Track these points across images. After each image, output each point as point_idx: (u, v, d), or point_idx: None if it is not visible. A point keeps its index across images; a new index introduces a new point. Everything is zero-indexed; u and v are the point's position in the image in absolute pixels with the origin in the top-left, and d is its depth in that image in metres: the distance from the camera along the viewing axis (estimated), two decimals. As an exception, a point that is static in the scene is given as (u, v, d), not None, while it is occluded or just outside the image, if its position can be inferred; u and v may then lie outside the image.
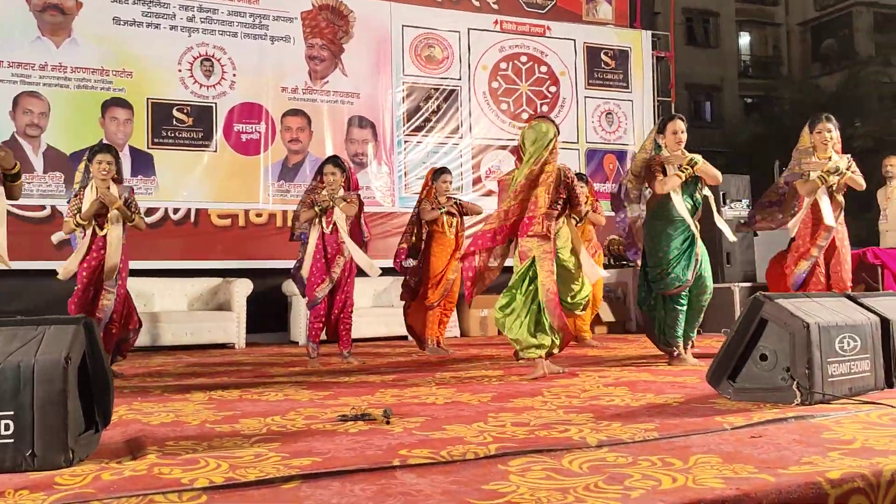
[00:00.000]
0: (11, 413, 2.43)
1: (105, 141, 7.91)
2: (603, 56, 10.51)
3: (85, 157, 5.54)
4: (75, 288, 5.94)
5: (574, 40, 10.32)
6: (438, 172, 6.95)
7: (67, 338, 2.58)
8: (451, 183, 6.98)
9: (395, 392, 4.24)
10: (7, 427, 2.43)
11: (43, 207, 7.72)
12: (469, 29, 9.86)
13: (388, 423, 3.15)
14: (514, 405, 3.61)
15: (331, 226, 5.98)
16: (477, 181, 9.75)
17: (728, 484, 2.18)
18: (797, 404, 3.32)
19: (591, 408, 3.47)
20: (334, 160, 6.15)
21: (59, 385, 2.47)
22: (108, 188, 5.42)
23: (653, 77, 10.74)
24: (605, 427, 2.97)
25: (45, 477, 2.34)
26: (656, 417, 3.17)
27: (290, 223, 6.44)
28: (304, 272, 6.01)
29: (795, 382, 3.33)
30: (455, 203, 6.93)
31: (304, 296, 6.17)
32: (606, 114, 10.38)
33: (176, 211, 8.39)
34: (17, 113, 7.81)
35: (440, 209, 6.78)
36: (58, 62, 8.00)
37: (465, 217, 7.03)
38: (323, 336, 6.05)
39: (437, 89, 9.63)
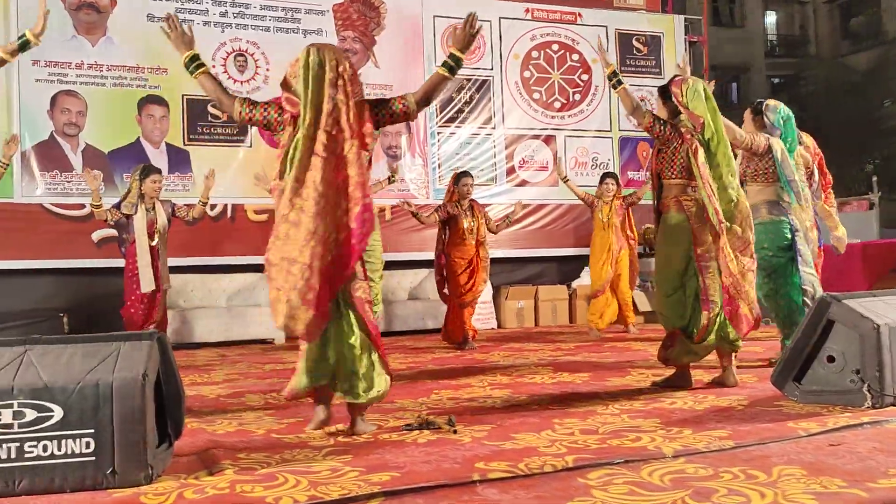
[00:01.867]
0: (92, 431, 2.44)
1: (144, 147, 7.95)
2: (635, 42, 10.39)
3: (137, 177, 6.13)
4: (131, 297, 6.06)
5: (606, 27, 10.18)
6: (460, 176, 6.91)
7: (143, 354, 2.58)
8: (472, 186, 6.93)
9: (451, 394, 4.23)
10: (88, 445, 2.44)
11: (82, 206, 7.73)
12: (500, 18, 9.76)
13: (454, 432, 3.13)
14: (576, 409, 3.59)
15: None
16: (510, 171, 9.68)
17: (820, 500, 2.15)
18: (868, 407, 3.27)
19: (656, 412, 3.43)
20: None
21: (137, 402, 2.48)
22: (154, 206, 6.15)
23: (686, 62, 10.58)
24: (676, 435, 2.94)
25: (129, 496, 2.35)
26: (726, 423, 3.13)
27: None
28: None
29: (866, 385, 3.28)
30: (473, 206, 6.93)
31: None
32: (640, 101, 10.25)
33: (213, 207, 8.38)
34: (55, 112, 7.84)
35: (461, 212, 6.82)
36: (94, 60, 8.01)
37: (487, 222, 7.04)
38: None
39: (469, 80, 9.56)
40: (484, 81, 9.65)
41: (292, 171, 3.05)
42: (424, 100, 3.28)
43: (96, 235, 7.86)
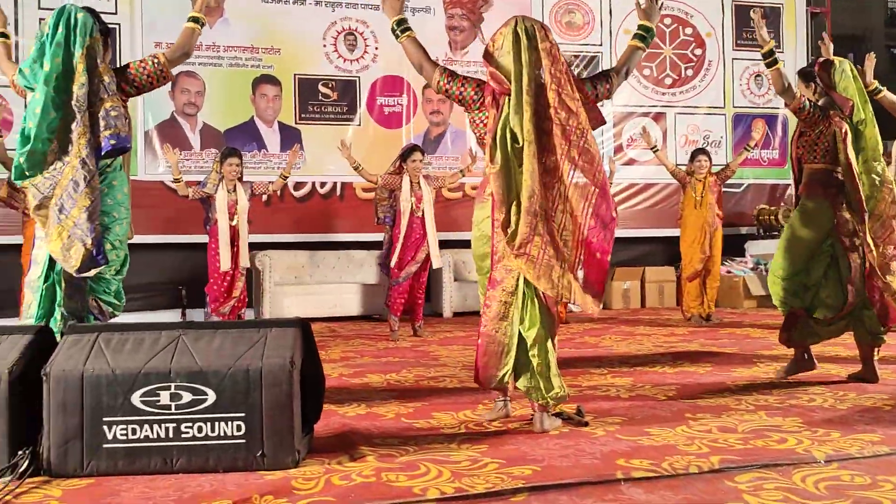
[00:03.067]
0: (243, 415, 2.52)
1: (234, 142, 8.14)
2: (753, 14, 9.91)
3: (217, 159, 6.37)
4: (214, 275, 6.28)
5: (721, -1, 9.82)
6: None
7: (289, 340, 2.64)
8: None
9: (571, 381, 4.17)
10: (239, 428, 2.52)
11: (198, 183, 7.99)
12: (611, -8, 9.53)
13: (585, 424, 3.10)
14: (707, 403, 3.50)
15: (421, 210, 6.37)
16: (618, 149, 9.48)
17: None
18: None
19: (795, 410, 3.31)
20: (420, 148, 6.57)
21: (285, 388, 2.54)
22: (235, 187, 6.32)
23: (806, 34, 10.11)
24: (823, 437, 2.83)
25: (279, 479, 2.42)
26: (875, 426, 2.99)
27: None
28: (393, 258, 6.35)
29: None
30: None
31: (388, 276, 6.52)
32: (756, 76, 9.86)
33: (323, 185, 8.56)
34: (175, 93, 8.10)
35: None
36: (211, 42, 8.23)
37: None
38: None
39: (577, 56, 9.38)
40: (592, 57, 9.45)
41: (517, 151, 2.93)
42: (625, 73, 3.26)
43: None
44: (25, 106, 3.17)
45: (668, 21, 9.73)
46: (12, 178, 3.17)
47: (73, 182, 3.00)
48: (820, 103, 3.99)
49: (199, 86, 8.19)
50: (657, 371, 4.47)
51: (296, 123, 8.49)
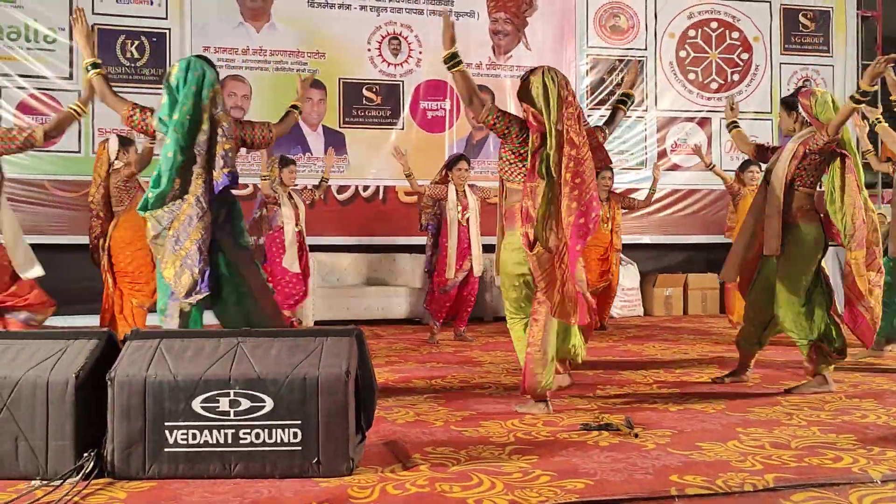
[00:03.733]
0: (299, 422, 2.57)
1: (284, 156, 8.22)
2: (801, 18, 9.82)
3: (276, 166, 6.51)
4: (284, 278, 6.39)
5: (770, 3, 9.69)
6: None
7: (344, 350, 2.69)
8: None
9: (617, 391, 4.19)
10: (295, 435, 2.57)
11: (246, 186, 8.12)
12: (656, -4, 9.47)
13: (635, 436, 3.10)
14: (757, 417, 3.47)
15: (466, 219, 6.44)
16: (661, 155, 9.41)
17: None
18: None
19: (848, 427, 3.27)
20: (466, 158, 6.62)
21: (341, 397, 2.59)
22: (291, 194, 6.53)
23: (857, 39, 9.94)
24: (878, 455, 2.79)
25: (335, 487, 2.46)
26: (932, 445, 2.95)
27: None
28: (447, 269, 6.39)
29: None
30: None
31: (431, 282, 6.57)
32: (804, 81, 9.72)
33: (366, 188, 8.64)
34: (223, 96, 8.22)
35: None
36: (258, 46, 8.35)
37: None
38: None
39: (621, 60, 9.34)
40: (638, 61, 9.39)
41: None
42: (613, 129, 4.03)
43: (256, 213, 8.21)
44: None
45: (714, 25, 9.64)
46: (138, 208, 3.51)
47: (189, 217, 3.37)
48: (799, 134, 4.16)
49: (246, 89, 8.31)
50: (704, 382, 4.44)
51: (340, 127, 8.58)
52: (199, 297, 3.39)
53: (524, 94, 3.55)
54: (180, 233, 3.37)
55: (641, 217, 9.12)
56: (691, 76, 9.55)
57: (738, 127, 4.65)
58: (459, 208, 6.41)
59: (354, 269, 8.57)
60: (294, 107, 4.10)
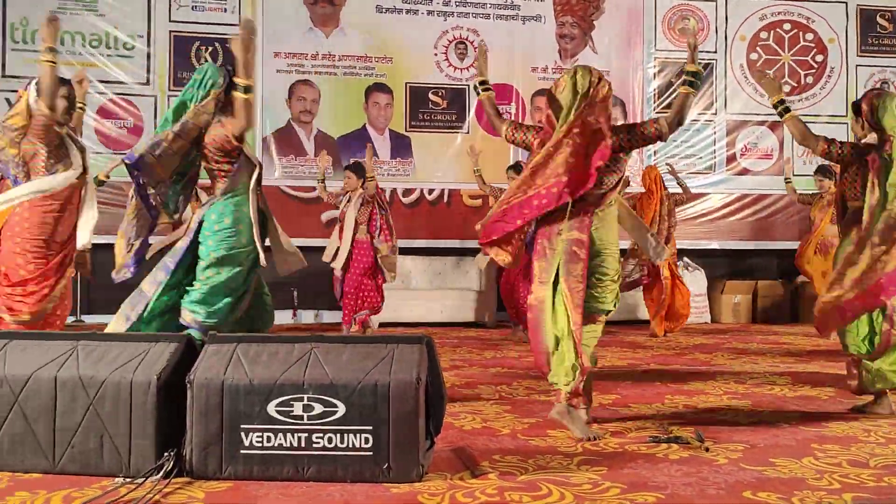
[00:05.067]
0: (370, 428, 2.61)
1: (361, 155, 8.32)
2: (879, 19, 9.52)
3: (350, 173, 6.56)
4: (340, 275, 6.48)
5: (846, 3, 9.42)
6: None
7: (415, 357, 2.71)
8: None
9: (685, 401, 4.13)
10: (366, 440, 2.61)
11: (313, 188, 8.24)
12: (727, -2, 9.31)
13: (706, 450, 3.06)
14: (832, 432, 3.39)
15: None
16: (731, 159, 9.26)
17: None
18: None
19: (929, 445, 3.17)
20: None
21: (411, 404, 2.62)
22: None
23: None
24: (963, 477, 2.70)
25: (405, 493, 2.49)
26: None
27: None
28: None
29: None
30: None
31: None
32: (882, 83, 9.42)
33: (431, 192, 8.70)
34: (292, 101, 8.40)
35: None
36: (327, 51, 8.49)
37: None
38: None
39: (690, 63, 9.18)
40: (706, 65, 9.23)
41: None
42: (677, 121, 3.41)
43: (325, 216, 8.35)
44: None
45: (787, 26, 9.42)
46: None
47: None
48: (866, 139, 3.93)
49: (315, 94, 8.45)
50: (776, 394, 4.35)
51: (406, 131, 8.66)
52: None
53: (550, 96, 3.46)
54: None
55: (709, 222, 8.99)
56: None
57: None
58: None
59: (419, 271, 8.63)
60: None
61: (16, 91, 7.89)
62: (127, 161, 3.45)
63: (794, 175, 7.51)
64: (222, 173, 3.57)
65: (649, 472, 2.76)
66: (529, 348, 6.32)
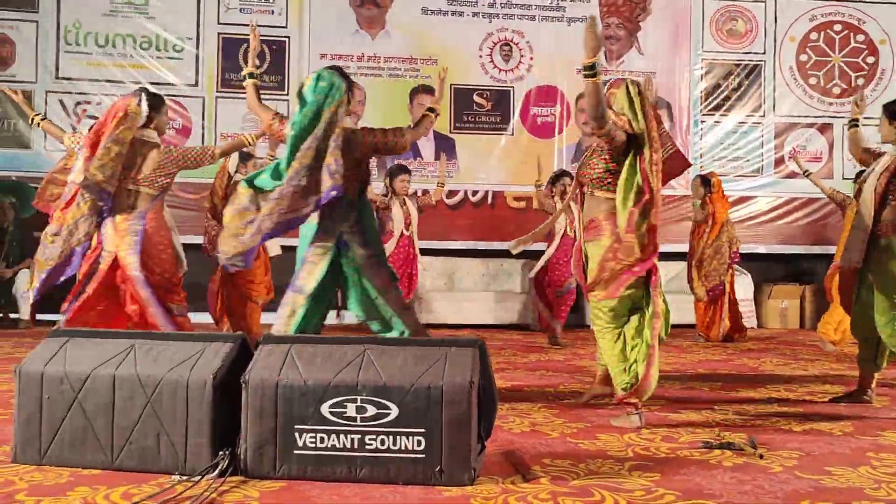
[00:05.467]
0: (423, 430, 2.62)
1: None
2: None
3: (386, 175, 6.77)
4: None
5: (902, 3, 9.24)
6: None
7: (468, 360, 2.72)
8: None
9: (736, 408, 4.08)
10: (419, 443, 2.62)
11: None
12: (776, -2, 9.16)
13: (760, 457, 3.01)
14: (890, 442, 3.32)
15: (574, 231, 6.52)
16: (778, 162, 9.12)
17: None
18: None
19: None
20: (569, 174, 6.78)
21: (465, 407, 2.62)
22: (405, 201, 6.77)
23: None
24: None
25: (459, 497, 2.49)
26: None
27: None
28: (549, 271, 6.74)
29: None
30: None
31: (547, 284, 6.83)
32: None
33: (474, 193, 8.71)
34: (339, 102, 8.45)
35: None
36: (373, 53, 8.55)
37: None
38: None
39: (738, 65, 9.09)
40: (755, 66, 9.12)
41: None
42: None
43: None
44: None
45: (837, 27, 9.26)
46: (244, 179, 3.61)
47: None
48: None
49: (361, 95, 8.51)
50: (827, 402, 4.27)
51: (450, 133, 8.68)
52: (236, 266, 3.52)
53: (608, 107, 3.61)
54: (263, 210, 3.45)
55: (756, 225, 8.86)
56: (812, 81, 9.20)
57: (858, 126, 4.47)
58: (566, 221, 6.66)
59: (462, 273, 8.64)
60: (430, 109, 3.98)
61: (69, 93, 8.18)
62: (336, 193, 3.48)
63: (843, 178, 7.35)
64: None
65: (703, 479, 2.73)
66: (570, 351, 6.34)
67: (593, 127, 3.56)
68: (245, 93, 3.90)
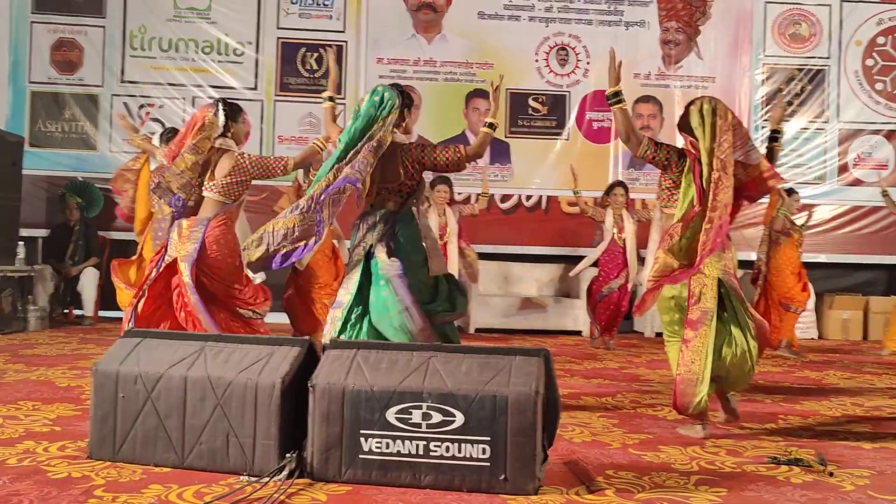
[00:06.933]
0: (488, 439, 2.62)
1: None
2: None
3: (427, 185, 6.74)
4: None
5: (974, 5, 8.95)
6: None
7: (534, 369, 2.71)
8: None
9: (801, 422, 3.99)
10: (484, 451, 2.62)
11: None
12: (842, 1, 8.93)
13: (830, 474, 2.95)
14: (965, 463, 3.22)
15: (622, 239, 6.97)
16: (842, 169, 8.90)
17: None
18: None
19: None
20: (623, 184, 7.23)
21: (530, 416, 2.61)
22: (444, 211, 6.87)
23: None
24: None
25: (524, 506, 2.49)
26: None
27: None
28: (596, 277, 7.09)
29: None
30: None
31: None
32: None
33: (529, 198, 8.68)
34: (392, 106, 8.50)
35: None
36: (429, 57, 8.58)
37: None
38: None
39: (801, 69, 8.90)
40: (818, 71, 8.93)
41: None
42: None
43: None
44: None
45: (906, 30, 9.01)
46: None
47: (296, 204, 3.38)
48: None
49: (416, 99, 8.53)
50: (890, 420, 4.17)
51: (506, 137, 8.66)
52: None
53: (683, 124, 3.64)
54: (284, 213, 3.40)
55: (818, 234, 8.67)
56: (879, 86, 8.97)
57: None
58: (616, 230, 6.96)
59: (515, 277, 8.62)
60: (491, 125, 3.83)
61: (133, 96, 8.37)
62: (357, 186, 3.46)
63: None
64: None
65: (772, 495, 2.68)
66: (625, 359, 6.28)
67: (631, 150, 3.72)
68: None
